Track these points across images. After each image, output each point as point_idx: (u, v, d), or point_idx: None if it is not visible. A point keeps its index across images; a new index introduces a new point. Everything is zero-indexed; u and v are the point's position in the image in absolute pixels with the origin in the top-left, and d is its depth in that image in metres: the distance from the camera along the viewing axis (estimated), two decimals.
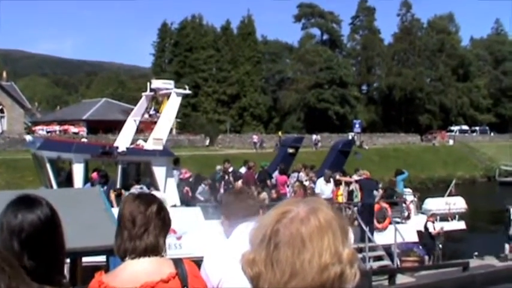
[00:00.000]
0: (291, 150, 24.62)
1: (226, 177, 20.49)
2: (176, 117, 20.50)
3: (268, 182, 21.15)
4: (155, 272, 3.04)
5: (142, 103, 20.51)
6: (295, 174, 22.41)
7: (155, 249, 3.10)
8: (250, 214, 3.46)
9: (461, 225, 23.42)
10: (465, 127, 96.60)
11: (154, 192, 16.84)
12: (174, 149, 22.74)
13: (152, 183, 18.11)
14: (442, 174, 62.29)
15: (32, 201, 2.37)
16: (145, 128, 31.62)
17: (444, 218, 22.69)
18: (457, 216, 23.53)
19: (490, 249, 20.65)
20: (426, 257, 19.51)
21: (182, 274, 3.11)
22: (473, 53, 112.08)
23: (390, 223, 20.16)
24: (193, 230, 16.70)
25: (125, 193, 15.60)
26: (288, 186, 21.12)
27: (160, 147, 18.48)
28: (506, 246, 20.61)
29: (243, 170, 22.03)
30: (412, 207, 22.46)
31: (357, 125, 76.34)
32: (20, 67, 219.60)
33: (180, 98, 19.42)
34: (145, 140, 19.92)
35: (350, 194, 21.09)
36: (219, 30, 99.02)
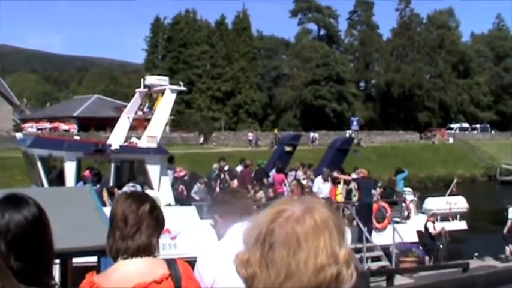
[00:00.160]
0: (288, 148, 24.65)
1: (222, 175, 20.51)
2: (170, 115, 20.45)
3: (265, 180, 21.14)
4: (148, 272, 3.03)
5: (136, 100, 20.48)
6: (293, 173, 22.45)
7: (148, 250, 3.09)
8: (245, 214, 3.44)
9: (462, 225, 23.41)
10: (465, 125, 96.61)
11: (148, 191, 16.85)
12: (167, 147, 22.72)
13: (146, 182, 18.10)
14: (442, 173, 62.37)
15: (19, 201, 2.34)
16: (138, 125, 31.63)
17: (445, 217, 22.73)
18: (458, 216, 23.56)
19: (491, 249, 20.69)
20: (427, 258, 19.56)
21: (176, 275, 3.10)
22: (473, 48, 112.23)
23: (390, 223, 20.18)
24: (188, 230, 16.67)
25: (117, 192, 15.60)
26: (285, 185, 21.14)
27: (155, 145, 18.45)
28: (507, 247, 20.67)
29: (239, 168, 22.07)
30: (412, 206, 22.45)
31: (355, 123, 76.35)
32: (8, 62, 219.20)
33: (174, 95, 19.40)
34: (139, 138, 19.91)
35: (348, 193, 21.11)
36: (213, 25, 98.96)
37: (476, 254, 19.77)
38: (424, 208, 23.03)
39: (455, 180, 26.52)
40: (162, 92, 19.30)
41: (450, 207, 23.04)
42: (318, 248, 1.50)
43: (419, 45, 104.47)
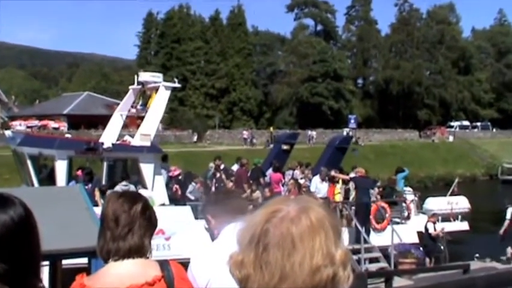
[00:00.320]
0: (285, 147, 24.64)
1: (218, 174, 20.53)
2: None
3: (262, 180, 21.17)
4: (140, 274, 3.02)
5: (130, 97, 20.47)
6: (290, 172, 22.48)
7: (140, 251, 3.08)
8: (239, 214, 3.38)
9: (464, 226, 23.46)
10: (466, 123, 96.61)
11: (142, 191, 16.88)
12: (159, 145, 22.74)
13: (139, 181, 18.12)
14: (442, 172, 62.55)
15: (5, 201, 2.26)
16: (130, 123, 31.59)
17: (446, 218, 22.78)
18: (459, 216, 23.61)
19: (492, 251, 20.75)
20: (427, 259, 19.61)
21: (168, 276, 3.09)
22: (474, 44, 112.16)
23: (389, 223, 20.22)
24: (182, 231, 16.66)
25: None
26: (283, 184, 21.18)
27: (148, 143, 18.45)
28: (508, 249, 20.73)
29: (235, 167, 22.10)
30: (412, 206, 22.51)
31: (352, 121, 76.42)
32: None
33: (169, 92, 19.41)
34: (132, 136, 19.91)
35: (347, 192, 21.15)
36: (207, 21, 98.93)
37: (477, 255, 19.81)
38: (425, 208, 23.02)
39: (456, 180, 26.54)
40: (156, 89, 19.31)
41: (451, 207, 23.06)
42: (314, 249, 1.50)
43: (419, 41, 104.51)
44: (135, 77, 20.53)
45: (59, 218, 5.53)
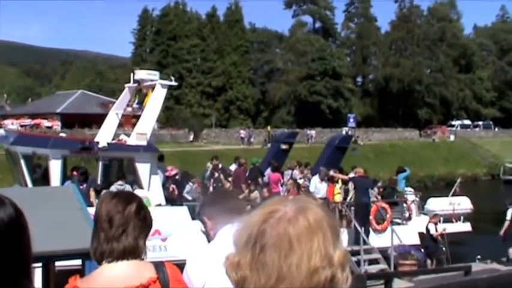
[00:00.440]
0: (284, 146, 24.65)
1: (216, 174, 20.54)
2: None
3: (260, 180, 21.17)
4: (134, 276, 3.01)
5: (125, 95, 20.44)
6: (289, 172, 22.50)
7: (134, 252, 3.06)
8: (235, 215, 3.38)
9: (466, 227, 23.47)
10: (467, 122, 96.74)
11: (138, 191, 16.90)
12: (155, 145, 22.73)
13: (135, 181, 18.12)
14: (442, 172, 62.70)
15: None
16: (124, 122, 31.59)
17: (448, 219, 22.78)
18: (462, 217, 23.61)
19: (494, 252, 20.75)
20: (428, 261, 19.62)
21: (163, 278, 3.07)
22: (476, 42, 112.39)
23: (390, 224, 20.23)
24: (179, 231, 16.64)
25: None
26: (282, 184, 21.19)
27: (144, 143, 18.42)
28: (510, 250, 20.74)
29: (233, 167, 22.12)
30: (413, 207, 22.54)
31: (351, 120, 76.45)
32: None
33: (165, 90, 19.37)
34: (128, 135, 19.90)
35: (347, 192, 21.17)
36: (204, 18, 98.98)
37: (479, 256, 19.77)
38: (426, 209, 23.03)
39: (458, 180, 26.47)
40: (152, 87, 19.30)
41: (454, 208, 23.06)
42: (312, 250, 1.49)
43: (419, 39, 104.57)
44: (131, 75, 20.51)
45: (52, 219, 5.51)
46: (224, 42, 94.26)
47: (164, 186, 19.05)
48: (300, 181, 21.10)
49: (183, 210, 17.63)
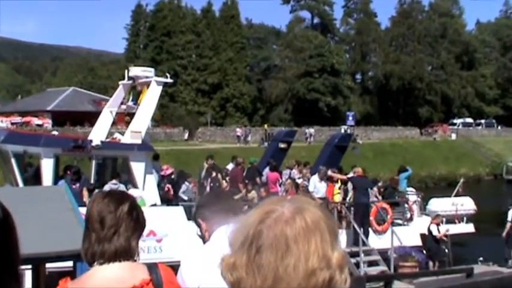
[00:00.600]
0: (282, 145, 24.69)
1: (214, 174, 20.55)
2: None
3: (258, 179, 21.25)
4: (127, 278, 2.98)
5: (120, 92, 20.47)
6: (288, 172, 22.54)
7: (126, 253, 3.04)
8: (230, 215, 3.41)
9: (469, 228, 23.46)
10: (469, 120, 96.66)
11: (133, 190, 16.93)
12: None
13: (130, 180, 18.14)
14: (444, 171, 62.78)
15: None
16: (118, 120, 31.65)
17: (451, 220, 22.81)
18: (465, 218, 23.60)
19: (497, 254, 20.78)
20: (431, 263, 19.65)
21: (157, 280, 3.05)
22: (479, 38, 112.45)
23: (391, 225, 20.25)
24: (175, 232, 16.64)
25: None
26: (280, 184, 21.22)
27: (139, 141, 18.42)
28: None
29: (230, 166, 22.14)
30: (415, 208, 22.57)
31: (350, 118, 76.28)
32: None
33: (160, 87, 19.38)
34: (122, 133, 19.90)
35: (346, 192, 21.18)
36: (199, 13, 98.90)
37: (481, 258, 19.81)
38: (428, 210, 23.01)
39: (461, 180, 26.45)
40: (147, 84, 19.31)
41: (456, 208, 23.07)
42: (309, 251, 1.49)
43: (420, 35, 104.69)
44: (126, 71, 20.51)
45: (43, 220, 5.51)
46: (220, 38, 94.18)
47: (159, 185, 19.07)
48: (299, 181, 21.15)
49: (178, 211, 17.63)
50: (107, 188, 15.72)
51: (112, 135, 20.46)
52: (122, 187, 16.69)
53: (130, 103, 19.85)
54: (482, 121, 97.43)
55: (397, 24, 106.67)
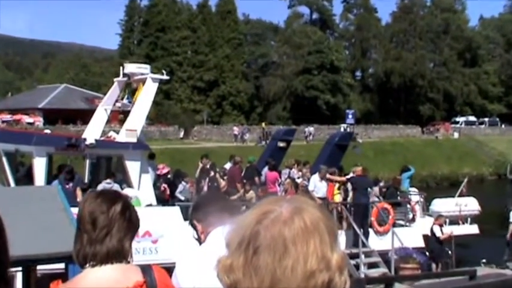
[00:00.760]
0: (281, 144, 24.71)
1: (212, 173, 20.57)
2: None
3: (257, 179, 21.28)
4: (120, 280, 2.96)
5: (115, 90, 20.47)
6: (287, 171, 22.55)
7: (119, 255, 3.02)
8: (226, 216, 3.41)
9: (473, 229, 23.47)
10: (472, 118, 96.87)
11: (128, 190, 16.94)
12: None
13: (125, 180, 18.14)
14: (446, 171, 62.86)
15: None
16: (111, 117, 31.69)
17: (455, 221, 22.84)
18: (469, 219, 23.63)
19: (501, 256, 20.83)
20: (433, 265, 19.66)
21: (151, 282, 3.03)
22: (482, 34, 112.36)
23: (393, 226, 20.27)
24: (171, 233, 16.58)
25: None
26: (279, 184, 21.24)
27: (134, 140, 18.43)
28: None
29: (228, 165, 22.15)
30: (417, 208, 22.59)
31: (350, 116, 76.32)
32: None
33: (156, 85, 19.41)
34: (117, 132, 19.91)
35: (346, 193, 21.18)
36: (195, 8, 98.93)
37: (484, 260, 19.84)
38: (432, 210, 23.03)
39: (465, 180, 26.33)
40: (143, 81, 19.32)
41: (460, 209, 23.08)
42: (308, 253, 1.48)
43: (422, 31, 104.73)
44: (121, 68, 20.51)
45: (34, 220, 5.46)
46: (216, 34, 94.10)
47: (155, 185, 19.08)
48: (299, 180, 21.15)
49: (175, 211, 17.60)
50: (100, 187, 15.73)
51: (107, 134, 20.46)
52: (116, 186, 16.67)
53: (125, 101, 19.87)
54: (486, 119, 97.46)
55: (398, 19, 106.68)
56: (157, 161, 23.42)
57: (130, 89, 20.05)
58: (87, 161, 18.32)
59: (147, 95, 19.11)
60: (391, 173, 25.79)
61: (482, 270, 17.46)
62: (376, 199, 21.42)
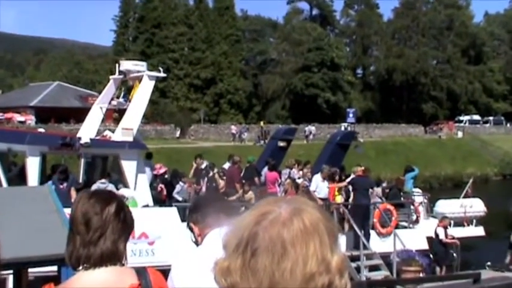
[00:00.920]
0: (281, 144, 24.72)
1: (211, 173, 20.58)
2: None
3: (257, 179, 21.30)
4: (114, 283, 2.94)
5: (110, 88, 20.45)
6: (287, 171, 22.56)
7: (113, 257, 3.00)
8: (223, 217, 3.42)
9: (479, 231, 23.43)
10: (476, 117, 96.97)
11: (124, 190, 16.95)
12: None
13: (121, 180, 18.12)
14: (449, 171, 62.78)
15: None
16: (106, 116, 31.68)
17: (460, 222, 22.83)
18: (474, 220, 23.61)
19: (505, 258, 20.85)
20: (437, 268, 19.67)
21: (146, 285, 3.03)
22: (487, 30, 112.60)
23: (396, 228, 20.26)
24: (168, 234, 16.58)
25: None
26: (279, 184, 21.25)
27: (131, 139, 18.39)
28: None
29: (227, 165, 22.16)
30: (421, 209, 22.58)
31: (351, 115, 76.38)
32: None
33: (153, 82, 19.38)
34: (113, 130, 19.91)
35: (348, 193, 21.18)
36: (191, 4, 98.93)
37: (489, 263, 19.84)
38: (436, 212, 22.98)
39: (471, 180, 26.28)
40: (139, 79, 19.31)
41: (465, 210, 23.08)
42: (307, 255, 1.48)
43: (425, 27, 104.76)
44: (116, 65, 20.50)
45: (25, 222, 5.44)
46: (213, 30, 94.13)
47: (152, 185, 19.06)
48: (299, 181, 21.15)
49: (172, 212, 17.59)
50: (94, 187, 15.70)
51: (102, 133, 20.45)
52: (111, 187, 16.63)
53: (121, 99, 19.87)
54: (490, 118, 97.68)
55: (401, 15, 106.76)
56: (153, 160, 23.46)
57: (126, 87, 20.04)
58: (82, 161, 18.25)
59: (143, 93, 19.06)
60: (393, 173, 25.80)
61: (487, 274, 17.47)
62: (379, 200, 21.43)
